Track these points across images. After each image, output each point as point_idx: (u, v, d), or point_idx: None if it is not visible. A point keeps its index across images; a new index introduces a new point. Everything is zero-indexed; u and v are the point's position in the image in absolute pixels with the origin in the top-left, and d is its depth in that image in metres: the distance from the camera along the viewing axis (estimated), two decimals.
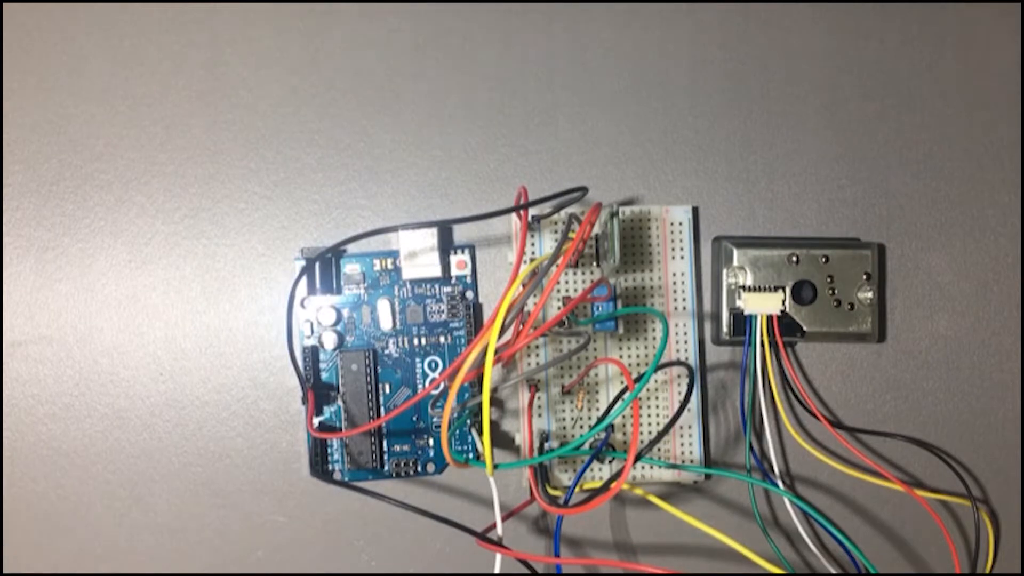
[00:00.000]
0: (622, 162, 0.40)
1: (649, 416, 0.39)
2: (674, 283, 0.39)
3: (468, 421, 0.37)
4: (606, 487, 0.36)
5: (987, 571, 0.39)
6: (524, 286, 0.34)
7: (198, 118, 0.39)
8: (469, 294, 0.39)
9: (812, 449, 0.39)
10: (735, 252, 0.38)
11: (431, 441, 0.38)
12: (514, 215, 0.38)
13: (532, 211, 0.37)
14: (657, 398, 0.38)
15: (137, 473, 0.39)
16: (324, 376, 0.38)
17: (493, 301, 0.39)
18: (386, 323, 0.38)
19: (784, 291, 0.38)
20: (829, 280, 0.38)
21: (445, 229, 0.39)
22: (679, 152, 0.40)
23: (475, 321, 0.39)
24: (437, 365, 0.38)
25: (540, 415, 0.38)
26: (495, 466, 0.32)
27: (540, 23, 0.40)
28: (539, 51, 0.40)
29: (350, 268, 0.38)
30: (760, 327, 0.37)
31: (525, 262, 0.38)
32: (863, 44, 0.40)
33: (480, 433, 0.35)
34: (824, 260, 0.38)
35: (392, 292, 0.38)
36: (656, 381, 0.38)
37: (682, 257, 0.39)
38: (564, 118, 0.40)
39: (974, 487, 0.40)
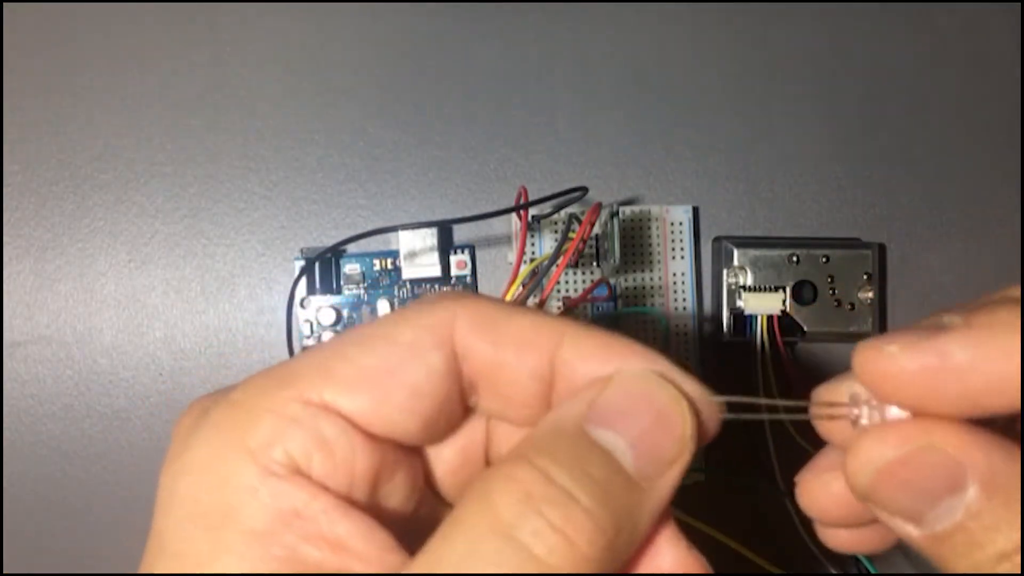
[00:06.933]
0: (622, 162, 0.40)
1: None
2: (674, 283, 0.39)
3: None
4: None
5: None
6: (524, 286, 0.34)
7: (198, 118, 0.39)
8: None
9: (812, 449, 0.39)
10: (735, 252, 0.38)
11: None
12: (514, 215, 0.38)
13: (532, 211, 0.37)
14: None
15: (137, 473, 0.39)
16: None
17: None
18: None
19: (784, 291, 0.38)
20: (829, 280, 0.38)
21: (445, 229, 0.39)
22: (679, 152, 0.40)
23: None
24: None
25: None
26: None
27: (540, 23, 0.40)
28: (539, 51, 0.40)
29: (350, 268, 0.38)
30: (760, 327, 0.37)
31: (525, 262, 0.38)
32: (863, 44, 0.40)
33: None
34: (824, 260, 0.38)
35: (392, 292, 0.38)
36: None
37: (682, 257, 0.39)
38: (564, 118, 0.40)
39: None
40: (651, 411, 0.17)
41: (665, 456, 0.17)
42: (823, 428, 0.19)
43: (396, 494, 0.18)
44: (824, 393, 0.19)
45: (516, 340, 0.18)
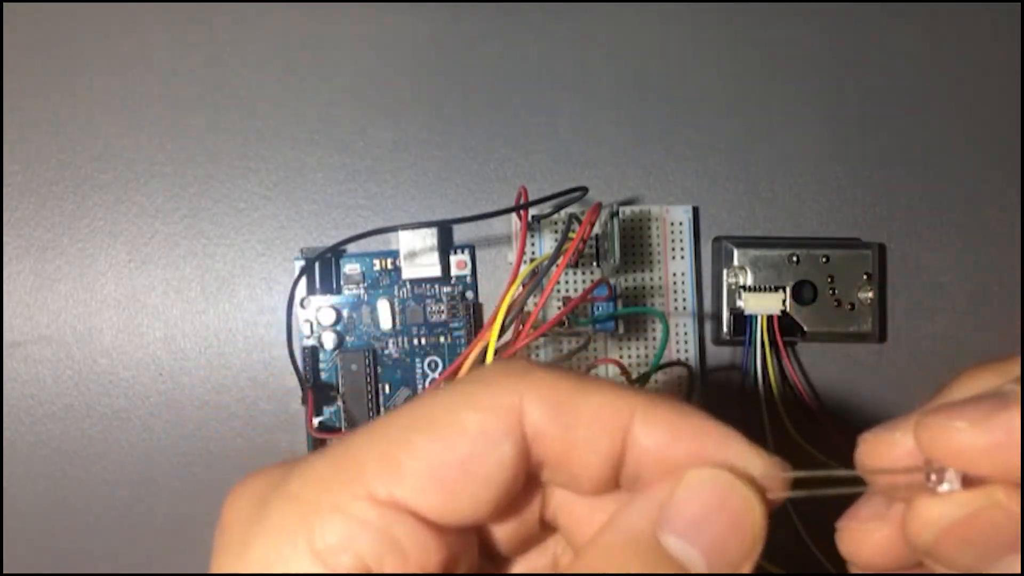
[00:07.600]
0: (622, 162, 0.40)
1: None
2: (674, 283, 0.39)
3: None
4: None
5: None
6: (524, 286, 0.34)
7: (198, 118, 0.39)
8: (469, 294, 0.39)
9: (812, 449, 0.39)
10: (735, 252, 0.38)
11: None
12: (514, 215, 0.38)
13: (532, 211, 0.37)
14: None
15: (137, 473, 0.39)
16: (324, 376, 0.38)
17: (493, 301, 0.39)
18: (386, 323, 0.38)
19: (784, 291, 0.38)
20: (829, 280, 0.38)
21: (445, 229, 0.39)
22: (679, 152, 0.40)
23: (475, 321, 0.39)
24: (437, 365, 0.38)
25: None
26: None
27: (540, 23, 0.40)
28: (539, 51, 0.40)
29: (350, 268, 0.38)
30: (760, 327, 0.37)
31: (525, 262, 0.38)
32: (863, 44, 0.40)
33: None
34: (824, 260, 0.38)
35: (392, 292, 0.38)
36: (656, 381, 0.38)
37: (682, 257, 0.39)
38: (564, 118, 0.40)
39: None
40: (724, 519, 0.17)
41: (736, 559, 0.17)
42: (873, 477, 0.19)
43: (459, 570, 0.18)
44: (876, 448, 0.18)
45: (589, 422, 0.17)
